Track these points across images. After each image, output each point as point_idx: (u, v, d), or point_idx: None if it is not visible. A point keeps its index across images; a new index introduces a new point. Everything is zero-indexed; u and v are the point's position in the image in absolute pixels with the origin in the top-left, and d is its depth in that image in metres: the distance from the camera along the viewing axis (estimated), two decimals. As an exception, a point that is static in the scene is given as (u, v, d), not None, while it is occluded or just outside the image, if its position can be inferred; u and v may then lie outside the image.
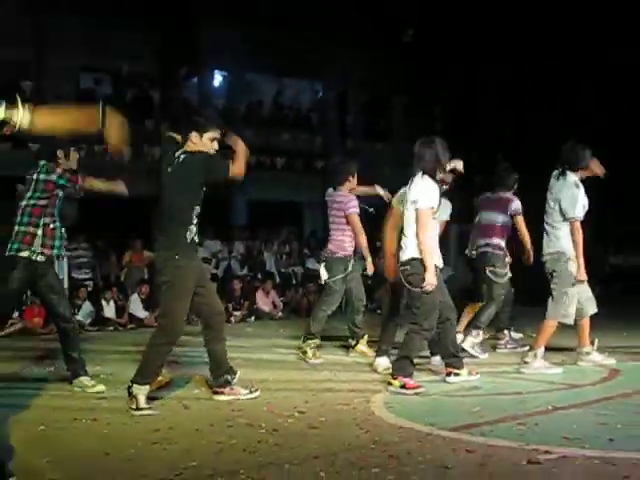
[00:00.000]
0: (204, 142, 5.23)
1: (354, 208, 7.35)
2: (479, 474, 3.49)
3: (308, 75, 19.40)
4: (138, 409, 4.96)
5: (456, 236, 16.64)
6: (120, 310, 12.01)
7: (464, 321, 7.78)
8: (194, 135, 5.22)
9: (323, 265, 7.56)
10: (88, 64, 17.10)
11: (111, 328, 11.54)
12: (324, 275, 7.48)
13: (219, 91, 18.97)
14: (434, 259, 5.61)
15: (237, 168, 5.25)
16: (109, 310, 11.91)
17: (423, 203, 5.59)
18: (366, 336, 7.59)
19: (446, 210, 6.80)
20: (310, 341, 7.39)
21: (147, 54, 17.03)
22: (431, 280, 5.48)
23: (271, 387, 5.82)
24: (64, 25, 15.65)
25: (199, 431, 4.49)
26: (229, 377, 5.40)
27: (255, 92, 19.46)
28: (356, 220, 7.35)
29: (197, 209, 5.20)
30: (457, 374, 5.89)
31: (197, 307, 5.38)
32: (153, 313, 12.24)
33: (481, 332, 7.60)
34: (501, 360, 7.29)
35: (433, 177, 5.69)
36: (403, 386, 5.48)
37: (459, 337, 7.71)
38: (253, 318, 12.79)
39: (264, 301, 13.24)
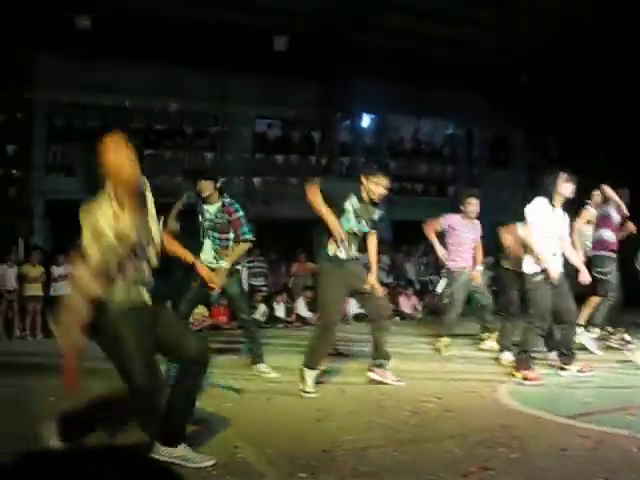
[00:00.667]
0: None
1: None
2: (591, 458, 3.37)
3: (441, 116, 19.38)
4: (306, 392, 5.08)
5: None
6: (289, 311, 12.36)
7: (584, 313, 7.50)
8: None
9: (443, 279, 7.68)
10: (261, 112, 17.75)
11: (281, 325, 11.86)
12: (440, 287, 7.66)
13: (367, 131, 19.19)
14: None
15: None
16: (280, 310, 12.27)
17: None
18: (496, 333, 7.42)
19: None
20: (442, 339, 7.37)
21: (309, 102, 17.47)
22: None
23: (413, 376, 5.81)
24: (242, 80, 16.32)
25: (353, 411, 4.56)
26: (383, 361, 5.48)
27: (397, 131, 19.63)
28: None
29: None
30: (565, 369, 5.68)
31: (362, 304, 5.88)
32: (316, 313, 12.51)
33: (597, 329, 7.30)
34: (612, 356, 6.94)
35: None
36: (525, 378, 5.37)
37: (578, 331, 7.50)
38: (398, 318, 12.79)
39: (406, 304, 13.23)
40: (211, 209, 6.07)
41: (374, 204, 5.39)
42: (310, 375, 5.16)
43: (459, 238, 7.45)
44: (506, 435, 3.81)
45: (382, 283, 13.65)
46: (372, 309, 5.54)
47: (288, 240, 14.59)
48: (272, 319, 12.06)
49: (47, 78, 14.67)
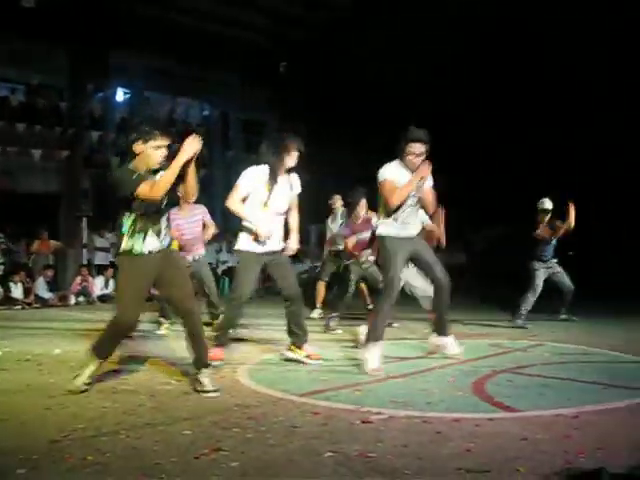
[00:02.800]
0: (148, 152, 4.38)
1: None
2: (320, 433, 3.51)
3: (198, 96, 19.24)
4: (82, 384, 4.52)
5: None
6: (27, 291, 11.52)
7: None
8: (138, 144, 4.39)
9: None
10: (3, 75, 16.28)
11: (18, 307, 11.03)
12: None
13: (121, 105, 18.46)
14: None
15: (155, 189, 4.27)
16: (17, 291, 11.39)
17: None
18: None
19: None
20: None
21: (59, 69, 16.34)
22: None
23: (153, 359, 5.69)
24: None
25: (87, 397, 4.33)
26: None
27: (152, 108, 19.12)
28: None
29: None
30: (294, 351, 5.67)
31: None
32: (57, 294, 11.83)
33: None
34: (348, 336, 7.36)
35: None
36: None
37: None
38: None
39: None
40: None
41: None
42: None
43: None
44: (242, 415, 3.84)
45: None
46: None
47: (30, 215, 13.55)
48: (8, 300, 11.17)
49: None
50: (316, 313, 9.14)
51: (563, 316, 9.01)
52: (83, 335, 6.92)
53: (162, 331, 7.44)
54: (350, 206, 8.15)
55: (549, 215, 8.80)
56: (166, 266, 4.47)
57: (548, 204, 8.84)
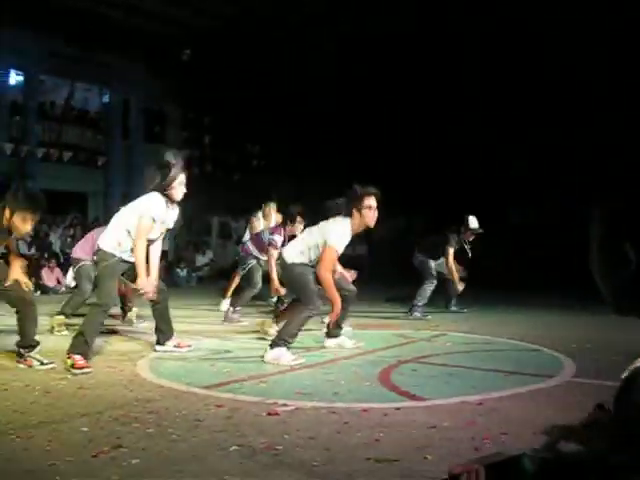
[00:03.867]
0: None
1: None
2: (225, 425, 3.39)
3: (99, 82, 18.56)
4: None
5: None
6: None
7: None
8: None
9: None
10: None
11: None
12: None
13: (15, 89, 17.56)
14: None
15: None
16: None
17: None
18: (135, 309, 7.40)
19: None
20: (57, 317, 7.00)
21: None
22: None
23: (48, 354, 5.40)
24: None
25: (-26, 396, 4.04)
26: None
27: (49, 93, 18.29)
28: None
29: None
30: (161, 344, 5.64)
31: None
32: None
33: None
34: (250, 328, 7.27)
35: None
36: (73, 365, 4.76)
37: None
38: (39, 292, 11.94)
39: (49, 277, 12.42)
40: None
41: None
42: None
43: None
44: (142, 410, 3.67)
45: (22, 255, 12.78)
46: None
47: None
48: None
49: None
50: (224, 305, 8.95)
51: (454, 308, 9.20)
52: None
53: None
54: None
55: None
56: None
57: (475, 223, 8.95)
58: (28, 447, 3.06)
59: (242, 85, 16.56)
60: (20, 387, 4.27)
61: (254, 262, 7.97)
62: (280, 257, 5.75)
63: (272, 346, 5.20)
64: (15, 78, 17.53)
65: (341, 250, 5.34)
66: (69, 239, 14.57)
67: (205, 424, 3.42)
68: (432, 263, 8.77)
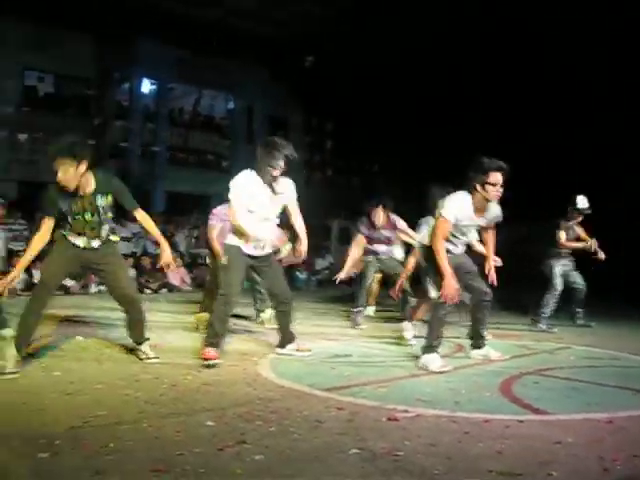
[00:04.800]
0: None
1: None
2: (345, 428, 3.43)
3: (224, 89, 19.23)
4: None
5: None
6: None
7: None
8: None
9: None
10: (32, 64, 16.37)
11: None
12: None
13: (148, 96, 18.49)
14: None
15: None
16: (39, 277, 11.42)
17: None
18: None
19: None
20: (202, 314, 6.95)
21: (87, 58, 16.44)
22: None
23: (175, 350, 5.65)
24: (11, 27, 14.95)
25: (109, 385, 4.28)
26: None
27: (178, 99, 19.16)
28: None
29: None
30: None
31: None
32: (78, 282, 11.85)
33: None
34: (372, 332, 7.28)
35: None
36: (202, 357, 5.03)
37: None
38: (165, 290, 12.50)
39: (174, 276, 12.96)
40: None
41: None
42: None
43: None
44: (265, 409, 3.77)
45: (149, 254, 13.43)
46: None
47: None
48: (32, 287, 11.18)
49: None
50: (371, 310, 9.00)
51: (580, 321, 8.65)
52: (103, 323, 6.90)
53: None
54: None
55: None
56: None
57: (584, 203, 8.31)
58: (159, 436, 3.22)
59: (364, 90, 16.66)
60: (149, 380, 4.48)
61: (371, 258, 7.90)
62: (420, 245, 5.71)
63: (423, 352, 5.21)
64: (147, 86, 18.47)
65: (452, 220, 5.10)
66: (193, 240, 15.18)
67: (326, 426, 3.47)
68: (558, 269, 8.40)
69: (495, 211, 5.33)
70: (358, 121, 17.75)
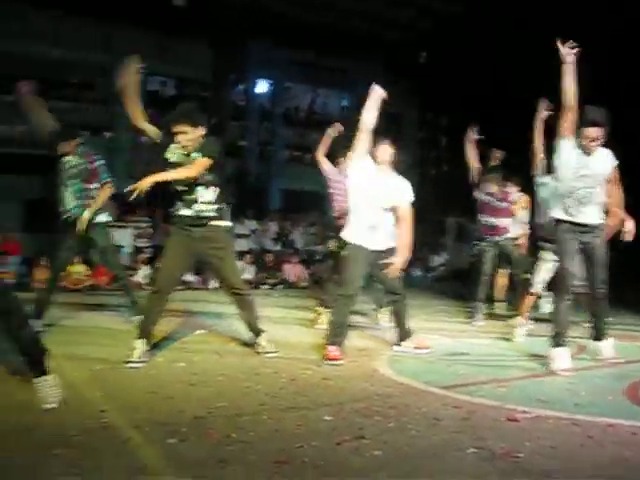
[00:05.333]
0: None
1: None
2: (462, 427, 3.41)
3: (337, 87, 19.40)
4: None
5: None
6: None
7: None
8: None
9: None
10: (155, 69, 17.16)
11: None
12: None
13: (263, 96, 18.92)
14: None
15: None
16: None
17: None
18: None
19: None
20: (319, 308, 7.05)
21: (205, 62, 17.05)
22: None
23: (292, 344, 5.77)
24: (135, 35, 15.77)
25: (229, 377, 4.45)
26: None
27: (293, 99, 19.49)
28: None
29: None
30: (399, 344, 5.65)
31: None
32: (200, 277, 12.30)
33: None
34: (490, 329, 7.14)
35: None
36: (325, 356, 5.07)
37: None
38: (282, 286, 12.78)
39: (291, 272, 13.21)
40: (71, 159, 6.07)
41: None
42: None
43: None
44: (382, 404, 3.81)
45: (268, 250, 13.76)
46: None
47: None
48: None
49: None
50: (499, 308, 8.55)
51: None
52: (222, 317, 7.10)
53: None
54: None
55: None
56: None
57: None
58: (279, 429, 3.32)
59: (479, 84, 16.32)
60: (269, 373, 4.61)
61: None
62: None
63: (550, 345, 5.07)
64: (263, 87, 18.90)
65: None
66: (309, 236, 15.42)
67: (443, 424, 3.47)
68: None
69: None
70: (473, 115, 17.42)
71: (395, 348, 5.64)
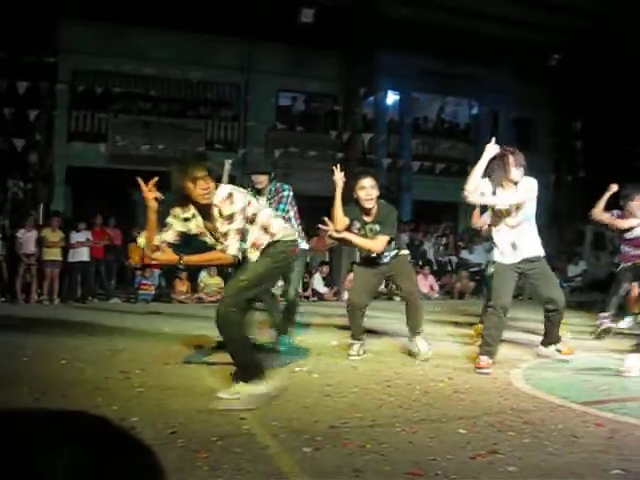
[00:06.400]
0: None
1: None
2: (605, 446, 3.25)
3: (467, 95, 19.13)
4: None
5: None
6: (305, 285, 12.31)
7: None
8: None
9: None
10: (286, 85, 17.70)
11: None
12: None
13: (392, 108, 18.95)
14: None
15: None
16: (296, 285, 12.24)
17: None
18: None
19: None
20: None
21: (334, 76, 17.37)
22: None
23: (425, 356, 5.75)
24: (267, 52, 16.34)
25: (364, 388, 4.49)
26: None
27: (421, 108, 19.39)
28: None
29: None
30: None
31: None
32: (332, 289, 12.48)
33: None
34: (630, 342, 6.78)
35: None
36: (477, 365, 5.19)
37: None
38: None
39: (423, 284, 13.12)
40: (265, 195, 6.05)
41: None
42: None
43: None
44: (517, 419, 3.71)
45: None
46: None
47: (306, 214, 14.54)
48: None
49: (71, 45, 14.65)
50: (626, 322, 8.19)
51: None
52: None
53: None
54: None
55: None
56: None
57: None
58: (412, 440, 3.32)
59: (614, 85, 15.58)
60: (402, 385, 4.62)
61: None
62: None
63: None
64: (392, 98, 18.94)
65: None
66: (442, 247, 15.27)
67: (582, 441, 3.33)
68: None
69: None
70: (609, 119, 16.62)
71: (540, 349, 5.69)
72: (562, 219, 17.31)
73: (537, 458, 3.07)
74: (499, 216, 5.39)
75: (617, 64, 15.25)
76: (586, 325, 8.12)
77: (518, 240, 5.31)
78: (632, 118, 15.61)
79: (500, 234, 5.41)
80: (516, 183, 5.25)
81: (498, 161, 5.23)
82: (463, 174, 18.33)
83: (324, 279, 12.78)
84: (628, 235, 7.32)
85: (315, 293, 12.44)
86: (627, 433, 3.49)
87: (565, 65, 16.61)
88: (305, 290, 12.25)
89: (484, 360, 5.16)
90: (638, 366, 4.97)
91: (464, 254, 14.75)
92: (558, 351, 5.61)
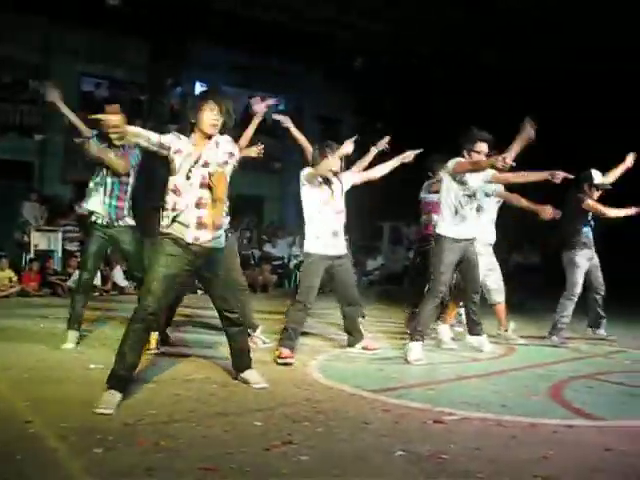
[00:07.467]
0: None
1: None
2: (391, 430, 3.46)
3: (275, 91, 19.36)
4: None
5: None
6: (105, 279, 11.86)
7: None
8: None
9: None
10: (89, 70, 16.85)
11: (97, 293, 11.32)
12: None
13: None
14: None
15: None
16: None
17: None
18: None
19: None
20: None
21: (141, 64, 16.81)
22: None
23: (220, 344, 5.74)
24: (70, 34, 15.45)
25: (159, 383, 4.39)
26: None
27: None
28: None
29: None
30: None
31: None
32: (132, 283, 12.11)
33: None
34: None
35: None
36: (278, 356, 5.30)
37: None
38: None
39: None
40: None
41: None
42: None
43: None
44: (312, 409, 3.82)
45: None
46: None
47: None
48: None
49: None
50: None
51: (601, 332, 7.24)
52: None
53: None
54: None
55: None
56: None
57: (599, 178, 6.97)
58: (207, 435, 3.29)
59: (420, 91, 16.58)
60: (201, 379, 4.57)
61: None
62: None
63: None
64: (199, 89, 18.71)
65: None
66: (245, 241, 15.35)
67: (371, 427, 3.50)
68: (581, 262, 6.98)
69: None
70: (413, 121, 17.64)
71: (348, 350, 5.90)
72: (364, 215, 18.12)
73: (328, 446, 3.18)
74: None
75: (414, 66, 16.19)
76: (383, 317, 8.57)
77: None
78: (432, 121, 16.64)
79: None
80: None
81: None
82: (269, 169, 18.49)
83: (124, 272, 12.34)
84: None
85: (115, 286, 11.98)
86: (411, 417, 3.72)
87: (370, 67, 17.35)
88: (105, 284, 11.77)
89: (286, 352, 5.27)
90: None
91: (267, 247, 14.99)
92: (363, 348, 5.87)
